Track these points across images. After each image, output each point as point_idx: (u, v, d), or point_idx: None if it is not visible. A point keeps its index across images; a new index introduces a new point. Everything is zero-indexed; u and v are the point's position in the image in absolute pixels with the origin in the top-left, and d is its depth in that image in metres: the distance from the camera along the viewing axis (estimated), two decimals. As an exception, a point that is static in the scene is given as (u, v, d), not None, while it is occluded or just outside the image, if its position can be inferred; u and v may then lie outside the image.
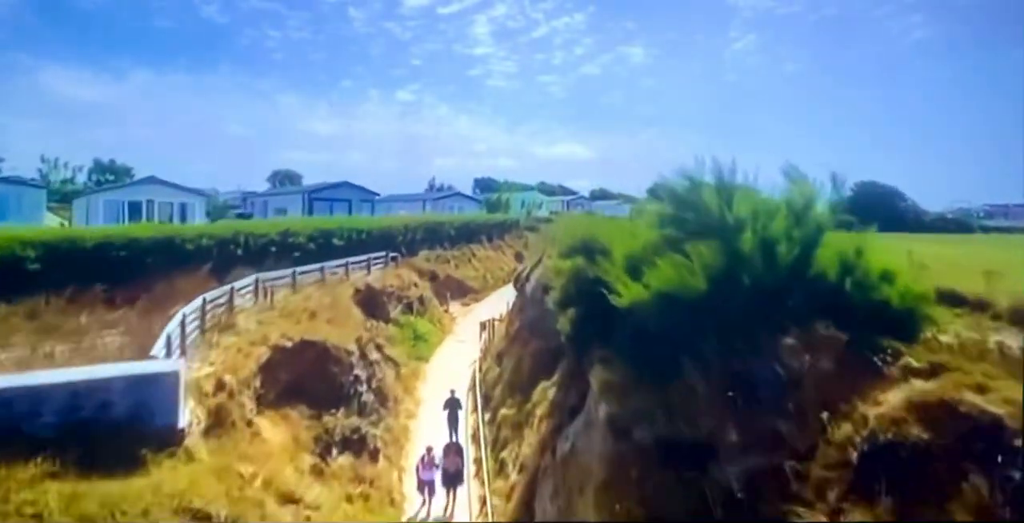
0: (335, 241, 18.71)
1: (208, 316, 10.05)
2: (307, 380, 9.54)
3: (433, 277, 24.45)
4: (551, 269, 11.15)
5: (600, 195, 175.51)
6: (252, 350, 8.89)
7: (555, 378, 12.36)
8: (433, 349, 18.81)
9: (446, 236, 27.51)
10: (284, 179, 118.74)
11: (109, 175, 56.63)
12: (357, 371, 10.90)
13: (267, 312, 11.25)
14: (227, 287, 10.91)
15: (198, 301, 9.59)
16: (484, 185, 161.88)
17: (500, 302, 23.33)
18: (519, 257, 34.98)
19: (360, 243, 20.07)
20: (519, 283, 17.90)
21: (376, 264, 19.59)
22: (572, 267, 10.90)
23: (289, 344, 9.43)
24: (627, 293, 7.99)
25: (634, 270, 8.36)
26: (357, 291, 15.87)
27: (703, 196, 8.18)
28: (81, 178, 60.21)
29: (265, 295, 11.99)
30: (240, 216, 30.33)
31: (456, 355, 18.92)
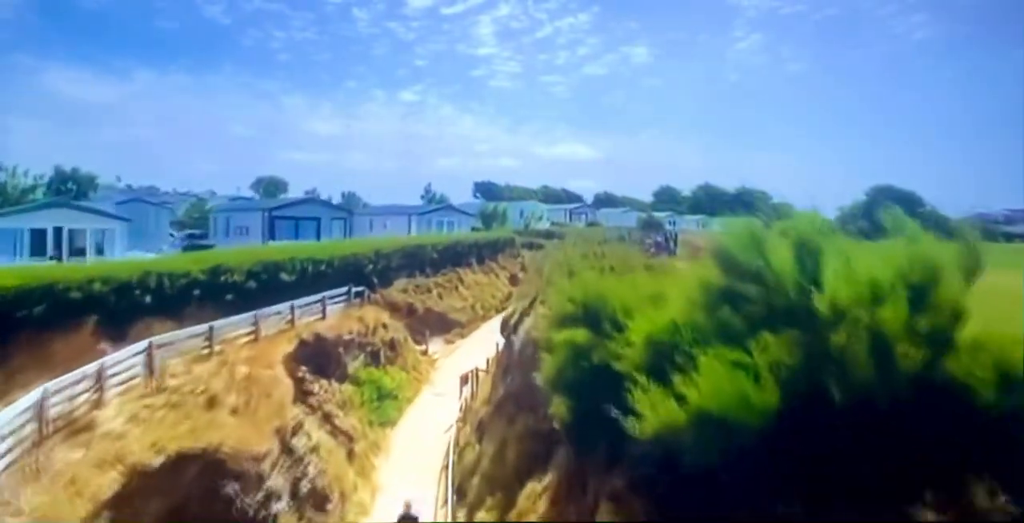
0: (284, 277, 16.08)
1: (61, 407, 7.34)
2: (187, 511, 6.83)
3: (410, 311, 21.80)
4: (542, 341, 8.50)
5: (605, 199, 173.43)
6: (93, 478, 6.23)
7: (547, 481, 9.62)
8: (404, 408, 16.15)
9: (428, 261, 24.90)
10: (269, 186, 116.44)
11: (71, 184, 53.97)
12: (272, 481, 8.25)
13: (152, 397, 8.59)
14: (94, 365, 8.23)
15: (32, 396, 6.89)
16: (485, 189, 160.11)
17: (490, 338, 20.75)
18: (514, 280, 32.35)
19: (318, 277, 17.46)
20: (506, 331, 15.23)
21: (337, 302, 16.94)
22: (569, 342, 8.22)
23: (158, 461, 6.77)
24: (652, 414, 5.31)
25: (660, 366, 5.68)
26: (303, 344, 13.23)
27: (773, 261, 5.45)
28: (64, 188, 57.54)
29: (154, 370, 9.31)
30: (192, 238, 27.67)
31: (432, 414, 16.29)
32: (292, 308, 14.21)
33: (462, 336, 24.07)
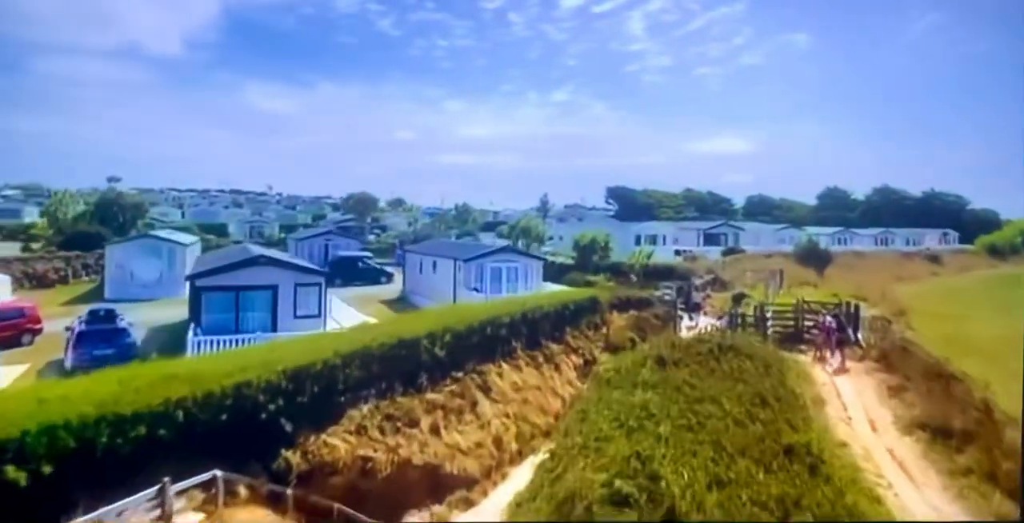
0: (11, 476, 8.56)
1: None
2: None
3: (364, 474, 13.58)
4: None
5: (758, 204, 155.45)
6: None
7: None
8: None
9: (424, 363, 16.61)
10: (356, 205, 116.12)
11: (115, 211, 53.06)
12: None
13: None
14: None
15: None
16: (618, 195, 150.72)
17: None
18: (586, 369, 22.94)
19: (131, 457, 9.77)
20: None
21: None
22: None
23: None
24: None
25: None
26: None
27: None
28: (116, 217, 57.15)
29: None
30: (92, 320, 21.39)
31: None
32: None
33: (468, 504, 15.31)
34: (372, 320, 23.60)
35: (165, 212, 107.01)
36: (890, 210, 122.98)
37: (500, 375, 19.13)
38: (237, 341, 17.77)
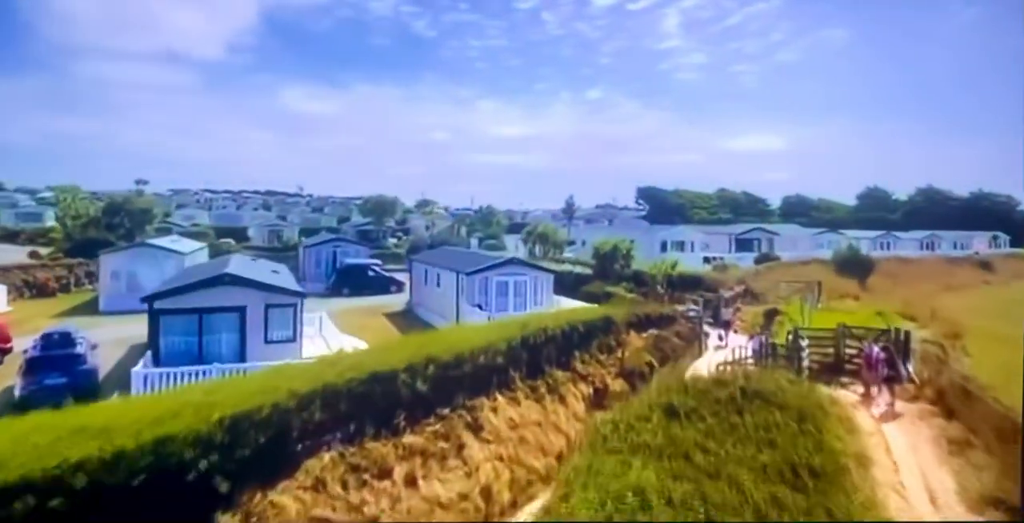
0: None
1: None
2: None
3: None
4: None
5: (795, 204, 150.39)
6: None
7: None
8: None
9: (404, 400, 14.73)
10: (375, 208, 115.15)
11: (122, 216, 52.31)
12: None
13: None
14: None
15: None
16: (649, 195, 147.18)
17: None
18: (597, 399, 20.82)
19: None
20: None
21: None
22: None
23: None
24: None
25: None
26: None
27: None
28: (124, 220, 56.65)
29: None
30: (46, 344, 19.66)
31: None
32: None
33: (446, 569, 13.37)
34: (356, 344, 21.84)
35: (192, 214, 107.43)
36: (935, 211, 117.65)
37: (494, 410, 17.10)
38: (190, 375, 16.12)
